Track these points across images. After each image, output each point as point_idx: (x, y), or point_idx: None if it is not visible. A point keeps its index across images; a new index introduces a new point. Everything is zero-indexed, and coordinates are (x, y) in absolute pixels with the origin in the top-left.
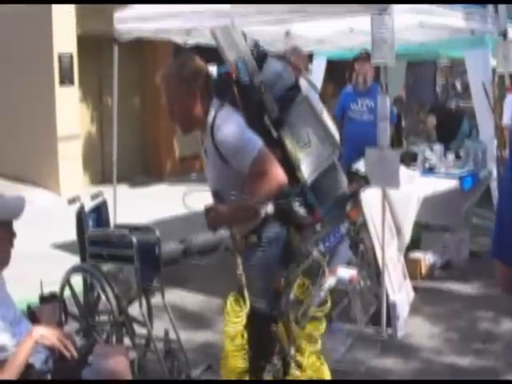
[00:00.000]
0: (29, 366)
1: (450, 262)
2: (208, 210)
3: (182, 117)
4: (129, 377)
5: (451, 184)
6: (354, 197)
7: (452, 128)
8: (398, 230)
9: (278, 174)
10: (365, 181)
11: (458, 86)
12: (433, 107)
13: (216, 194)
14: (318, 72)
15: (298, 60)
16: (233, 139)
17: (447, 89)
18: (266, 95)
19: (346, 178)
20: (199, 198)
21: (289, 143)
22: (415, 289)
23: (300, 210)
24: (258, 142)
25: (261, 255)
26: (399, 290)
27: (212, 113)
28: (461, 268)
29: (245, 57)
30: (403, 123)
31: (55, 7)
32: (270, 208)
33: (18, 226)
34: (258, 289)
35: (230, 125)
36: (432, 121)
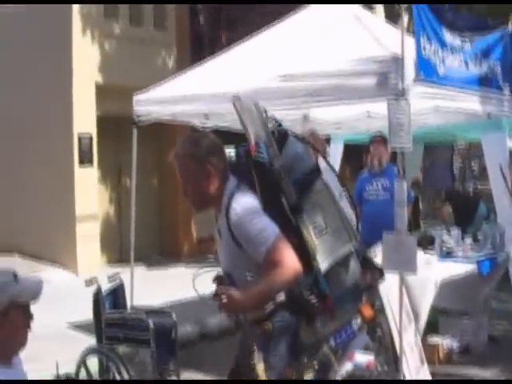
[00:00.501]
0: None
1: (469, 347)
2: (220, 295)
3: (195, 195)
4: None
5: (469, 268)
6: (369, 290)
7: (469, 211)
8: (416, 315)
9: (294, 264)
10: (380, 273)
11: (476, 168)
12: (449, 195)
13: (228, 276)
14: (335, 155)
15: (316, 143)
16: (248, 225)
17: (464, 171)
18: (285, 180)
19: (362, 266)
20: (211, 279)
21: (305, 230)
22: (433, 374)
23: (312, 298)
24: (273, 229)
25: (273, 345)
26: (417, 376)
27: (228, 193)
28: (479, 353)
29: (266, 137)
30: (421, 206)
31: (76, 89)
32: (281, 296)
33: (34, 304)
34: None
35: (245, 209)
36: (447, 209)
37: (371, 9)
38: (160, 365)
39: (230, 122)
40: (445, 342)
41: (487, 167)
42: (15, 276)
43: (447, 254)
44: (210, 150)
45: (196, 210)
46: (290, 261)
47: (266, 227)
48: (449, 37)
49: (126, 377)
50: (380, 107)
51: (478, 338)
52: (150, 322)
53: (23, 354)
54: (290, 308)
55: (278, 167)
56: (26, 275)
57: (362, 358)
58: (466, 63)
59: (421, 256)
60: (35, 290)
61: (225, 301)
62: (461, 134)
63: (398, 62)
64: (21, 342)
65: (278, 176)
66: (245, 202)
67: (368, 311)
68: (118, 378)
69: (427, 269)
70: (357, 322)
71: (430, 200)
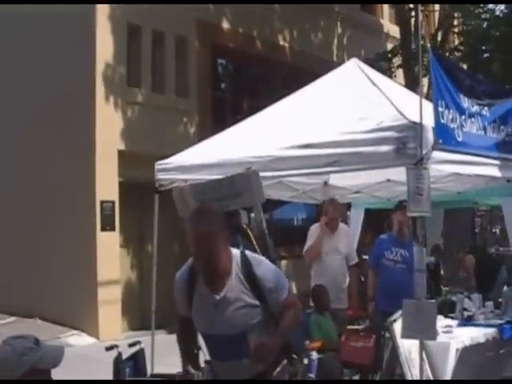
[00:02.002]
0: None
1: None
2: (260, 348)
3: (211, 261)
4: None
5: (489, 333)
6: None
7: (490, 273)
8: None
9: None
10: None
11: (497, 231)
12: (472, 248)
13: (240, 338)
14: (356, 221)
15: (335, 210)
16: (274, 273)
17: (485, 234)
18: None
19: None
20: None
21: None
22: None
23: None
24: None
25: None
26: None
27: (237, 256)
28: None
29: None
30: (442, 271)
31: (99, 155)
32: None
33: (56, 369)
34: None
35: (265, 261)
36: (471, 259)
37: (392, 74)
38: None
39: None
40: None
41: (507, 230)
42: (37, 341)
43: (468, 320)
44: (225, 221)
45: (207, 280)
46: (299, 301)
47: (280, 273)
48: (467, 103)
49: None
50: (400, 174)
51: None
52: None
53: None
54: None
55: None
56: (47, 341)
57: None
58: (485, 129)
59: (441, 322)
60: (56, 357)
61: (263, 349)
62: (481, 199)
63: (416, 129)
64: None
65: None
66: (258, 258)
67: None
68: None
69: (448, 335)
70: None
71: (453, 252)
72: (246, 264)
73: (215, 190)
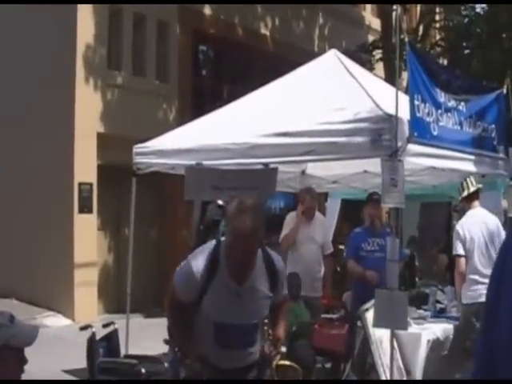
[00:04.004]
0: None
1: None
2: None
3: (252, 255)
4: None
5: None
6: None
7: None
8: (408, 372)
9: None
10: None
11: None
12: (445, 247)
13: (253, 328)
14: (333, 211)
15: (313, 199)
16: (285, 270)
17: None
18: None
19: None
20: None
21: None
22: None
23: None
24: None
25: None
26: None
27: (260, 250)
28: None
29: None
30: (417, 263)
31: (78, 137)
32: None
33: (30, 348)
34: None
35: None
36: (444, 259)
37: (372, 67)
38: None
39: None
40: None
41: None
42: (12, 318)
43: (440, 312)
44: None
45: (248, 269)
46: None
47: None
48: (443, 97)
49: None
50: (377, 165)
51: None
52: (142, 369)
53: None
54: None
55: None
56: (23, 320)
57: None
58: (461, 124)
59: (413, 313)
60: (30, 336)
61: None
62: (456, 193)
63: (392, 121)
64: (16, 378)
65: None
66: (274, 253)
67: None
68: None
69: (419, 326)
70: None
71: (427, 248)
72: (268, 258)
73: (233, 180)
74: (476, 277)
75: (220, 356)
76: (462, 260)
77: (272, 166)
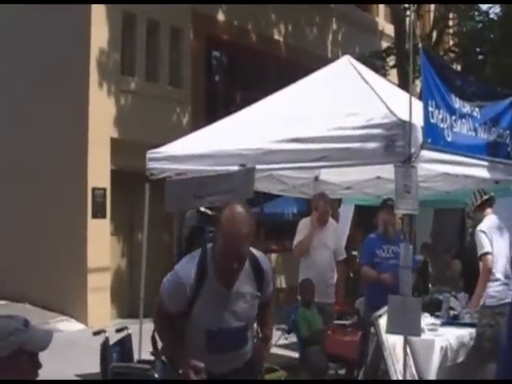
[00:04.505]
0: None
1: None
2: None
3: (243, 260)
4: None
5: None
6: None
7: (478, 275)
8: (421, 378)
9: None
10: None
11: None
12: (458, 253)
13: (244, 330)
14: (346, 217)
15: (326, 205)
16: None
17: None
18: None
19: None
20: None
21: None
22: None
23: None
24: None
25: None
26: None
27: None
28: None
29: None
30: (430, 270)
31: (91, 143)
32: None
33: (43, 353)
34: None
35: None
36: (457, 265)
37: (385, 73)
38: None
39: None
40: None
41: None
42: (26, 323)
43: (454, 319)
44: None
45: (238, 271)
46: None
47: None
48: (458, 103)
49: None
50: (390, 171)
51: None
52: (155, 374)
53: None
54: None
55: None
56: (36, 325)
57: None
58: (475, 130)
59: (426, 319)
60: (44, 340)
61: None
62: (470, 200)
63: (405, 127)
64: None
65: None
66: (258, 252)
67: None
68: None
69: (432, 332)
70: None
71: (441, 255)
72: (254, 258)
73: (213, 185)
74: (501, 277)
75: (213, 361)
76: (490, 257)
77: (250, 164)
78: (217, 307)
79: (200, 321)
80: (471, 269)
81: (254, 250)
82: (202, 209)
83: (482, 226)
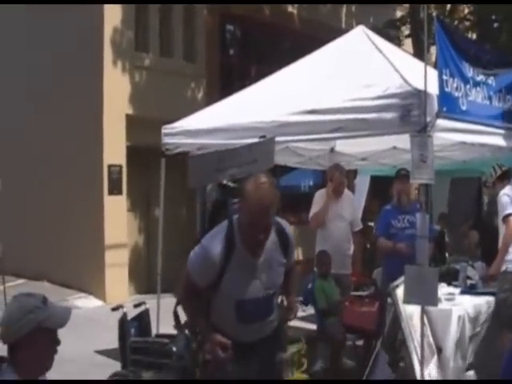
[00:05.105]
0: None
1: None
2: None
3: (269, 230)
4: None
5: (492, 302)
6: None
7: (495, 245)
8: (439, 348)
9: None
10: None
11: None
12: (475, 223)
13: (271, 298)
14: (362, 188)
15: (342, 176)
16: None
17: (492, 206)
18: None
19: None
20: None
21: None
22: None
23: None
24: None
25: None
26: None
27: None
28: None
29: None
30: (447, 240)
31: (106, 119)
32: None
33: (62, 330)
34: None
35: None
36: (474, 236)
37: (400, 42)
38: None
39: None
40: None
41: None
42: (45, 300)
43: (471, 288)
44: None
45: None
46: None
47: None
48: (472, 72)
49: None
50: (406, 141)
51: None
52: (173, 348)
53: (50, 378)
54: None
55: None
56: (55, 302)
57: None
58: (490, 98)
59: (444, 289)
60: (63, 317)
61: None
62: (487, 169)
63: (420, 97)
64: (46, 364)
65: None
66: (282, 219)
67: None
68: None
69: (450, 302)
70: None
71: (458, 224)
72: (278, 226)
73: (234, 158)
74: None
75: (242, 331)
76: None
77: (268, 136)
78: (246, 277)
79: (230, 292)
80: (488, 239)
81: (277, 218)
82: (224, 181)
83: (505, 190)
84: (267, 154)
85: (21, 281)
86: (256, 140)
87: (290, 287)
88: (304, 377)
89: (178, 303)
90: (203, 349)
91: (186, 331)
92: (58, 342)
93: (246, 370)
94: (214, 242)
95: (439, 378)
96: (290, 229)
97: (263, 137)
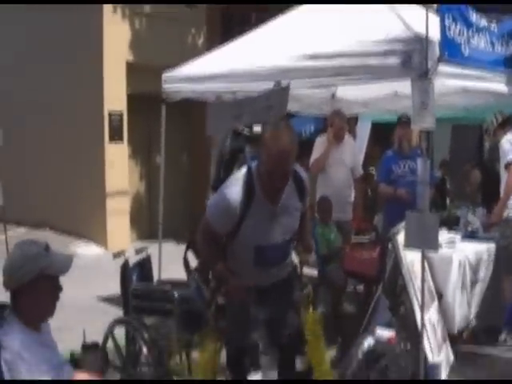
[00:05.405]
0: None
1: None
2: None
3: (287, 176)
4: None
5: (493, 247)
6: None
7: (497, 189)
8: (439, 293)
9: None
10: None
11: None
12: (479, 163)
13: (288, 243)
14: (363, 134)
15: (342, 121)
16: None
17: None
18: None
19: None
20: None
21: None
22: (457, 352)
23: None
24: None
25: None
26: (438, 353)
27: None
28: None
29: None
30: (448, 186)
31: (107, 67)
32: None
33: (64, 277)
34: None
35: None
36: (477, 175)
37: None
38: (185, 336)
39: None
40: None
41: None
42: (47, 248)
43: (472, 234)
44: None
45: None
46: None
47: None
48: (475, 17)
49: (152, 348)
50: (408, 87)
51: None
52: (175, 293)
53: (53, 325)
54: None
55: None
56: (57, 250)
57: (384, 333)
58: (493, 44)
59: (444, 235)
60: (65, 264)
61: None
62: (489, 116)
63: (422, 42)
64: (48, 311)
65: None
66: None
67: None
68: (144, 348)
69: (450, 248)
70: None
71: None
72: (295, 171)
73: (249, 104)
74: None
75: (259, 275)
76: None
77: (283, 83)
78: (265, 223)
79: (249, 238)
80: (490, 184)
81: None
82: (240, 129)
83: (508, 137)
84: (282, 100)
85: (22, 229)
86: (270, 87)
87: (305, 230)
88: (316, 317)
89: (187, 249)
90: (217, 294)
91: (195, 276)
92: (59, 289)
93: (263, 313)
94: (234, 190)
95: (440, 324)
96: (304, 173)
97: (278, 83)
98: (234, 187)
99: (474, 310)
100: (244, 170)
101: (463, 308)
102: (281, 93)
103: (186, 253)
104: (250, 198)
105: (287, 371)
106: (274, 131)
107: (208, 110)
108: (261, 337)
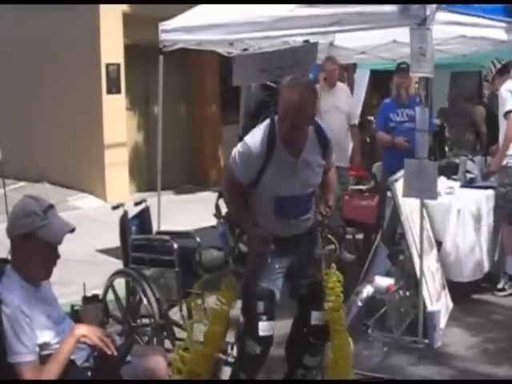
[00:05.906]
0: (71, 363)
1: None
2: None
3: (306, 128)
4: (165, 376)
5: (491, 195)
6: None
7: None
8: (438, 241)
9: None
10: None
11: None
12: (480, 101)
13: (309, 197)
14: (361, 82)
15: (333, 63)
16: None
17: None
18: None
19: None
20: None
21: None
22: (456, 299)
23: None
24: None
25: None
26: (437, 301)
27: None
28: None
29: None
30: (447, 134)
31: (103, 18)
32: None
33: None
34: None
35: None
36: (481, 110)
37: None
38: (184, 287)
39: (253, 49)
40: None
41: None
42: (46, 210)
43: (470, 182)
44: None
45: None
46: None
47: None
48: None
49: (151, 299)
50: (406, 34)
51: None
52: (174, 244)
53: (52, 278)
54: None
55: None
56: (56, 204)
57: (383, 281)
58: None
59: (443, 183)
60: (58, 233)
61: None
62: (487, 63)
63: None
64: (40, 272)
65: None
66: (322, 122)
67: None
68: (143, 299)
69: (449, 196)
70: None
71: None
72: (319, 128)
73: (278, 59)
74: None
75: (280, 226)
76: None
77: (312, 40)
78: (285, 175)
79: (270, 188)
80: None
81: (318, 120)
82: (268, 82)
83: (507, 86)
84: (309, 57)
85: (22, 183)
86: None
87: (328, 186)
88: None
89: (219, 197)
90: (240, 240)
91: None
92: (56, 256)
93: (282, 262)
94: (256, 141)
95: (439, 272)
96: (330, 131)
97: (306, 41)
98: (257, 137)
99: (486, 257)
100: (267, 121)
101: (473, 256)
102: (309, 50)
103: (217, 200)
104: (272, 150)
105: (302, 325)
106: (290, 83)
107: (235, 61)
108: (278, 287)
